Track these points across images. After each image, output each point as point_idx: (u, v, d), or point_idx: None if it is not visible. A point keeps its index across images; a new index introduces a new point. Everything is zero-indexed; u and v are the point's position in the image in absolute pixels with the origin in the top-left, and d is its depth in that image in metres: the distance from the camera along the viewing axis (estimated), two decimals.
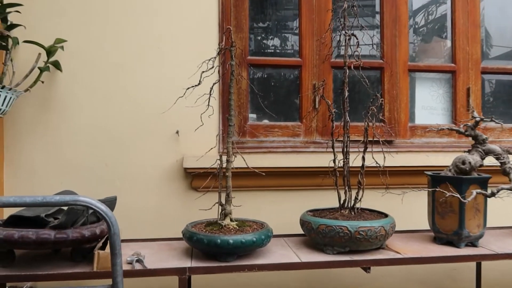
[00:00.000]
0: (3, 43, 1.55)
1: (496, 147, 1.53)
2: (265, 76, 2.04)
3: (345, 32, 1.54)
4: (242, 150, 1.74)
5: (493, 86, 2.31)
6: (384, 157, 1.50)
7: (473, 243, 1.51)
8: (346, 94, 1.55)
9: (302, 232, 1.53)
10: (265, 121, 1.97)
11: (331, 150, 1.58)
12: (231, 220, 1.43)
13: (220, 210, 1.44)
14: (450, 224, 1.49)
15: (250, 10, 1.94)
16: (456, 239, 1.49)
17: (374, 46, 1.71)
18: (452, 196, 1.37)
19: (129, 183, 1.77)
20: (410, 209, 1.76)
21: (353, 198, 1.55)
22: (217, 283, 1.81)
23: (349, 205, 1.55)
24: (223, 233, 1.34)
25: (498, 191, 1.37)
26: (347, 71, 1.55)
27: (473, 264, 1.81)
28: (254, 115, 1.98)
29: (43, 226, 1.24)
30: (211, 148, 1.61)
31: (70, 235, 1.22)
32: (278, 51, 2.12)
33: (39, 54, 1.62)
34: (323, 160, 1.66)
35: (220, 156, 1.46)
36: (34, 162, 1.72)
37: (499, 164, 1.50)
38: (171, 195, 1.80)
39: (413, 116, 2.11)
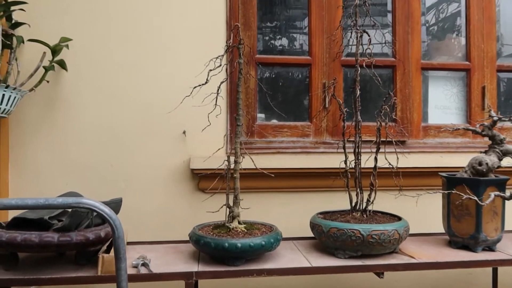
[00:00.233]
0: (8, 42, 1.53)
1: None
2: (273, 76, 1.99)
3: (357, 29, 1.50)
4: (251, 151, 1.71)
5: (505, 85, 2.24)
6: (397, 158, 1.45)
7: (490, 248, 1.46)
8: (358, 92, 1.51)
9: (312, 235, 1.49)
10: (274, 121, 1.93)
11: (342, 150, 1.53)
12: (239, 222, 1.39)
13: (227, 213, 1.41)
14: (467, 228, 1.44)
15: (258, 10, 1.90)
16: (473, 243, 1.44)
17: (386, 44, 1.66)
18: (469, 198, 1.31)
19: (135, 184, 1.74)
20: (423, 211, 1.71)
21: (365, 200, 1.50)
22: (225, 287, 1.77)
23: (361, 208, 1.51)
24: (231, 236, 1.30)
25: None
26: (359, 69, 1.50)
27: (489, 269, 1.75)
28: (262, 115, 1.93)
29: (46, 229, 1.22)
30: (219, 149, 1.58)
31: (74, 238, 1.19)
32: (286, 50, 2.07)
33: (44, 53, 1.60)
34: (333, 161, 1.62)
35: (228, 156, 1.43)
36: (39, 162, 1.70)
37: None
38: (177, 196, 1.77)
39: (426, 116, 2.05)
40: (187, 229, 1.44)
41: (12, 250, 1.20)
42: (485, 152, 1.52)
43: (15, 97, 1.49)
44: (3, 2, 1.50)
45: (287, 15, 2.05)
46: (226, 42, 1.71)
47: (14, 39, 1.55)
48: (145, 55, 1.75)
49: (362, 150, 1.51)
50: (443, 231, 1.56)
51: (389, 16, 2.01)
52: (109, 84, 1.73)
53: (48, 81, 1.66)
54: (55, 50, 1.62)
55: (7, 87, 1.44)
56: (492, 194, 1.29)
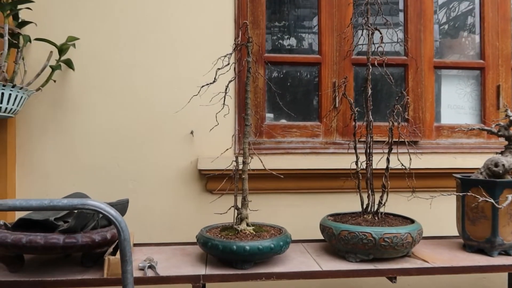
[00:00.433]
0: (14, 41, 1.52)
1: None
2: (282, 75, 1.96)
3: (368, 26, 1.46)
4: (259, 151, 1.68)
5: None
6: (410, 159, 1.41)
7: (507, 252, 1.41)
8: (369, 92, 1.47)
9: (322, 238, 1.45)
10: (283, 121, 1.90)
11: (352, 151, 1.50)
12: (247, 224, 1.36)
13: (236, 214, 1.38)
14: (482, 231, 1.39)
15: (267, 8, 1.86)
16: (489, 247, 1.39)
17: (398, 42, 1.62)
18: (486, 201, 1.27)
19: (142, 184, 1.72)
20: (435, 213, 1.67)
21: (376, 202, 1.46)
22: None
23: (372, 210, 1.47)
24: (239, 238, 1.27)
25: None
26: (370, 67, 1.46)
27: (504, 273, 1.70)
28: (271, 115, 1.90)
29: (52, 230, 1.20)
30: (227, 149, 1.56)
31: (80, 240, 1.16)
32: (295, 50, 2.04)
33: (51, 52, 1.58)
34: (344, 161, 1.59)
35: (236, 157, 1.40)
36: (46, 162, 1.68)
37: None
38: (185, 197, 1.74)
39: (438, 116, 2.00)
40: (194, 230, 1.41)
41: (17, 252, 1.18)
42: (501, 153, 1.47)
43: (22, 97, 1.48)
44: (10, 0, 1.49)
45: (296, 14, 2.01)
46: (235, 40, 1.68)
47: (21, 38, 1.54)
48: (152, 54, 1.73)
49: (374, 151, 1.48)
50: (456, 234, 1.51)
51: (401, 15, 1.96)
52: (116, 83, 1.72)
53: (55, 81, 1.64)
54: (62, 50, 1.60)
55: (13, 86, 1.42)
56: (510, 197, 1.26)
